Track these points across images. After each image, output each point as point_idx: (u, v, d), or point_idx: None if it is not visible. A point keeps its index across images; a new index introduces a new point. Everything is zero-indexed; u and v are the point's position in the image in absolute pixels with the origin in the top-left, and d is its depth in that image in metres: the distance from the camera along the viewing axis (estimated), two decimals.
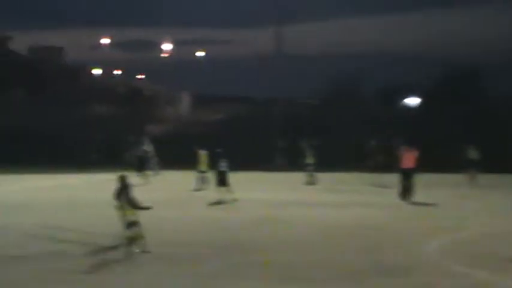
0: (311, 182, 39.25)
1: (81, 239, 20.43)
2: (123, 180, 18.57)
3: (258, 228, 23.24)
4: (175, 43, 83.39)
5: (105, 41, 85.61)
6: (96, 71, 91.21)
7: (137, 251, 17.98)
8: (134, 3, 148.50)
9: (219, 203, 29.78)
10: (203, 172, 35.43)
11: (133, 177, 30.81)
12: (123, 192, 18.45)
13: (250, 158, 48.29)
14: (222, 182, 30.63)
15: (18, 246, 19.54)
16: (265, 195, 33.49)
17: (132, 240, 18.00)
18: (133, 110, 67.44)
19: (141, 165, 38.20)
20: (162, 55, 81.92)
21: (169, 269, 16.61)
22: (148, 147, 39.14)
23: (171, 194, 33.41)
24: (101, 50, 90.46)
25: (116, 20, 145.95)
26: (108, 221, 21.34)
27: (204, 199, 30.71)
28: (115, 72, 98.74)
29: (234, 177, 31.25)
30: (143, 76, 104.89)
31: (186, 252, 18.61)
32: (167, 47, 79.26)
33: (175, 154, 45.90)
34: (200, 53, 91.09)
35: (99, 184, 37.81)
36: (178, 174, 43.99)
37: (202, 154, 35.46)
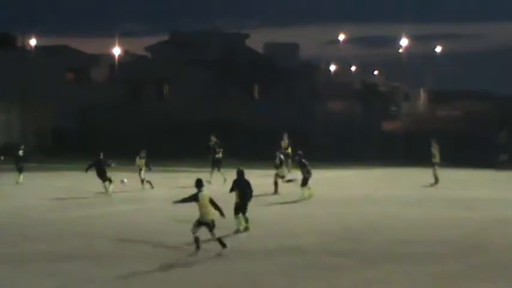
0: None
1: (313, 236, 20.98)
2: None
3: (496, 228, 22.69)
4: (412, 38, 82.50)
5: (341, 37, 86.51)
6: (332, 67, 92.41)
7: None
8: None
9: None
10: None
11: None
12: None
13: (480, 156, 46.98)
14: None
15: (255, 241, 20.39)
16: (499, 194, 32.41)
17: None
18: (368, 106, 67.70)
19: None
20: (399, 51, 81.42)
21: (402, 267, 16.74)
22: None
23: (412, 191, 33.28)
24: (336, 47, 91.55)
25: (351, 16, 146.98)
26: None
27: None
28: (351, 68, 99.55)
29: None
30: (379, 72, 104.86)
31: (423, 252, 18.58)
32: (404, 42, 78.63)
33: (410, 151, 45.93)
34: (437, 48, 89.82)
35: (333, 180, 38.39)
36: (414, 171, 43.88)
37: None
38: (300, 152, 30.93)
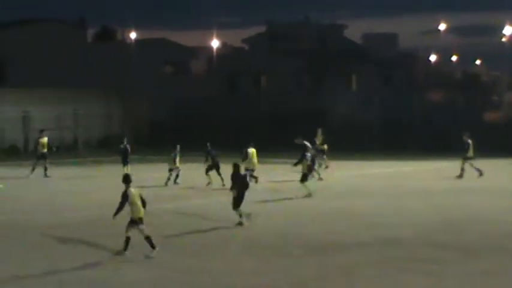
0: None
1: (411, 228, 20.61)
2: None
3: None
4: None
5: (441, 26, 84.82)
6: (432, 58, 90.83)
7: None
8: None
9: None
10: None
11: None
12: None
13: None
14: None
15: (351, 233, 20.14)
16: None
17: None
18: (470, 96, 66.19)
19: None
20: (503, 39, 79.17)
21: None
22: None
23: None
24: (436, 36, 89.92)
25: (450, 4, 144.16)
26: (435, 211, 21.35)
27: None
28: (452, 58, 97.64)
29: None
30: (481, 61, 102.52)
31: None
32: (508, 31, 76.31)
33: None
34: None
35: (432, 172, 37.60)
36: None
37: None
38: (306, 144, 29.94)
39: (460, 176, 34.25)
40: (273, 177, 34.89)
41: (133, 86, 60.74)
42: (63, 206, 25.92)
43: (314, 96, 60.67)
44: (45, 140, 37.30)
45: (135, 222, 17.23)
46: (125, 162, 36.81)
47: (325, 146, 37.17)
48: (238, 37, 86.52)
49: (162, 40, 75.64)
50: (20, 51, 63.87)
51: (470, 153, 34.72)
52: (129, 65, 64.35)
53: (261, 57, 72.65)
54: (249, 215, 21.24)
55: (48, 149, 37.08)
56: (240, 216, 21.16)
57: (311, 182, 28.29)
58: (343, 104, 57.51)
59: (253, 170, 31.06)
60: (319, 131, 37.24)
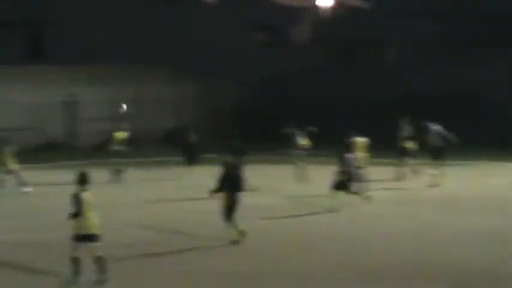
0: None
1: None
2: None
3: None
4: None
5: None
6: None
7: None
8: None
9: None
10: None
11: None
12: None
13: None
14: None
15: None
16: None
17: None
18: None
19: None
20: None
21: None
22: None
23: None
24: None
25: None
26: None
27: None
28: None
29: None
30: None
31: None
32: None
33: None
34: None
35: None
36: None
37: None
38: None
39: None
40: (399, 183, 34.35)
41: (209, 60, 60.31)
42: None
43: (460, 73, 59.67)
44: (122, 134, 37.67)
45: (85, 236, 17.06)
46: (190, 161, 36.85)
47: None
48: None
49: None
50: (62, 15, 63.92)
51: None
52: (202, 32, 63.77)
53: (387, 19, 71.62)
54: (243, 234, 21.14)
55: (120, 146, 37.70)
56: (236, 231, 21.20)
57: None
58: (503, 86, 56.42)
59: (358, 168, 30.28)
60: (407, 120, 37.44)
